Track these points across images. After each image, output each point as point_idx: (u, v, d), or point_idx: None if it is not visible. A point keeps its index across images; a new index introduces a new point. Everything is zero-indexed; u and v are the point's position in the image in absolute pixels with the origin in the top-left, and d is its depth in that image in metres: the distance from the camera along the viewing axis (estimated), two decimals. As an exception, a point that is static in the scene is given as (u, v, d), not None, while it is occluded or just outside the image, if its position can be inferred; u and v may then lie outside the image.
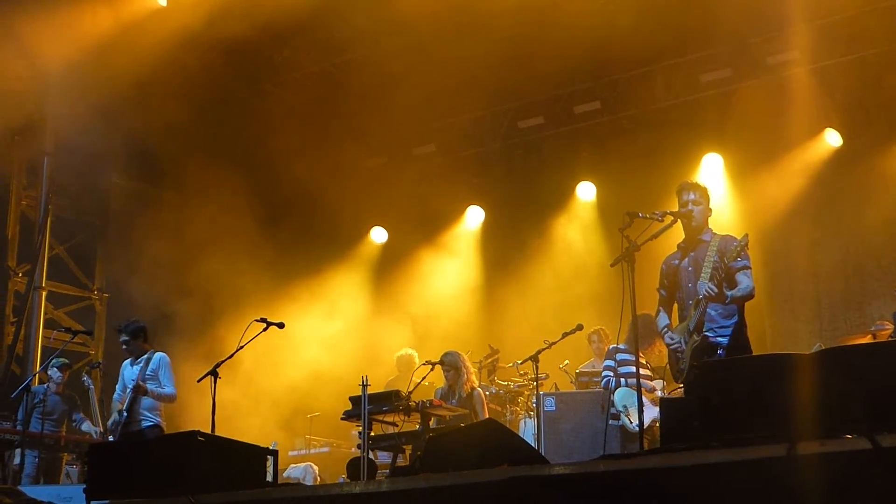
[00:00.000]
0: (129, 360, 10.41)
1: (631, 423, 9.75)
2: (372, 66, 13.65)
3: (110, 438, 10.36)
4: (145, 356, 10.19)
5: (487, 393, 11.62)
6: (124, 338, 10.34)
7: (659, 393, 9.90)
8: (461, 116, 14.73)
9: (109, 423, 10.44)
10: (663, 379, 9.92)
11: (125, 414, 9.95)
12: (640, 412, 7.32)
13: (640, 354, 9.63)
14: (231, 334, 10.09)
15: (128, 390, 10.08)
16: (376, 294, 15.45)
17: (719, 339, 7.40)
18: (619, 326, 8.01)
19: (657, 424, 9.57)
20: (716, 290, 7.35)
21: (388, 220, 15.83)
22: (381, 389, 10.85)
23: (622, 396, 9.92)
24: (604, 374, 10.36)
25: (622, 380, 10.05)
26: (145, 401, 10.05)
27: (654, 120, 13.76)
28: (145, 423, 10.02)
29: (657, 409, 9.55)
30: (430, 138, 15.23)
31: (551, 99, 14.40)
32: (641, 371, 9.56)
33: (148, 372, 10.07)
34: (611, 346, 10.44)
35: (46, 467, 11.40)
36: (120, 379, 10.45)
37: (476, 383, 10.87)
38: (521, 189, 14.91)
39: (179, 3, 12.50)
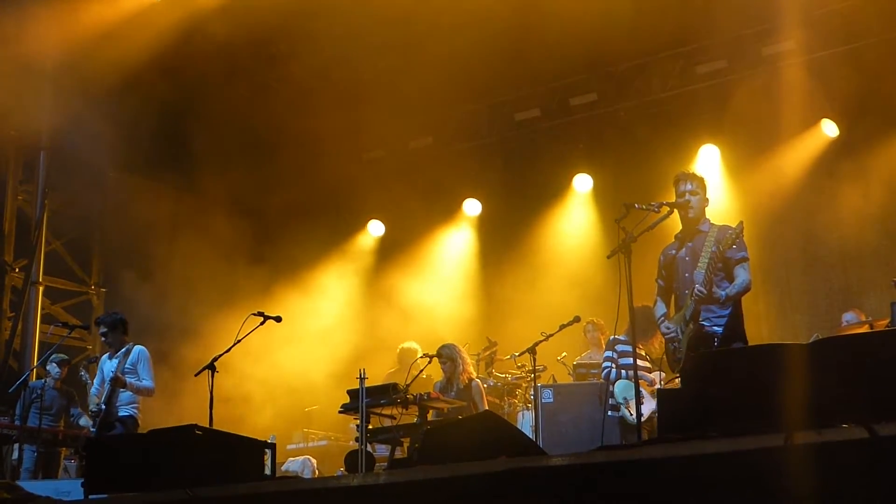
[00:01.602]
0: (107, 354, 10.42)
1: (631, 414, 9.76)
2: (369, 59, 13.63)
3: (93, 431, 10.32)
4: (124, 349, 10.19)
5: (485, 385, 11.63)
6: (103, 329, 10.34)
7: (658, 385, 9.91)
8: (458, 109, 14.73)
9: (90, 412, 10.43)
10: (662, 370, 9.93)
11: (103, 406, 9.96)
12: (638, 403, 7.33)
13: (640, 346, 9.72)
14: (228, 328, 10.08)
15: (105, 383, 10.08)
16: (373, 287, 15.45)
17: (715, 328, 7.41)
18: (616, 318, 8.03)
19: (657, 416, 9.60)
20: (705, 291, 7.35)
21: (386, 213, 15.82)
22: (380, 382, 10.85)
23: (622, 388, 9.95)
24: (604, 364, 10.39)
25: (622, 371, 10.07)
26: (123, 394, 10.05)
27: (650, 112, 13.77)
28: (121, 414, 10.02)
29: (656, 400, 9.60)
30: (427, 131, 15.24)
31: (547, 91, 14.41)
32: (640, 363, 9.63)
33: (127, 365, 10.07)
34: (611, 338, 10.44)
35: (45, 462, 11.42)
36: (98, 372, 10.44)
37: (473, 374, 10.89)
38: (518, 181, 14.90)
39: (175, -4, 12.51)
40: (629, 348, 9.87)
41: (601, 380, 10.55)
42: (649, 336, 9.80)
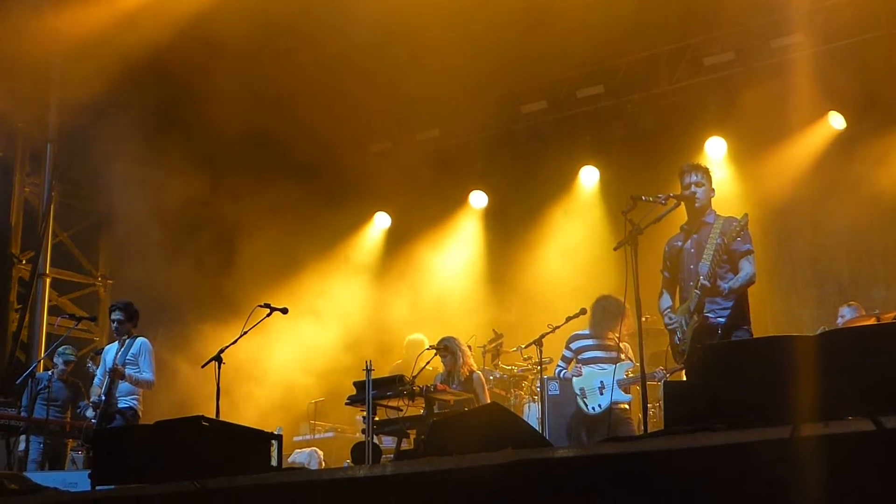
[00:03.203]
0: (111, 345, 10.45)
1: (586, 406, 9.83)
2: (375, 51, 13.63)
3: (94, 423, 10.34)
4: (128, 340, 10.20)
5: (491, 377, 11.65)
6: (118, 315, 10.32)
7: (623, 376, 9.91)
8: (465, 101, 14.69)
9: (91, 403, 10.46)
10: (632, 360, 9.98)
11: (103, 397, 9.98)
12: (644, 395, 7.33)
13: (607, 337, 9.84)
14: (235, 320, 10.10)
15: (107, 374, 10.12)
16: (380, 279, 15.46)
17: (720, 319, 7.44)
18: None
19: (619, 406, 9.70)
20: (709, 284, 7.37)
21: (392, 205, 15.82)
22: (386, 374, 10.87)
23: (578, 380, 9.99)
24: (559, 364, 10.41)
25: (579, 365, 10.08)
26: (123, 385, 10.06)
27: (657, 104, 13.75)
28: (121, 406, 10.03)
29: (621, 392, 9.73)
30: (434, 123, 15.22)
31: (554, 83, 14.39)
32: (603, 354, 9.82)
33: (129, 357, 10.08)
34: (572, 334, 10.47)
35: (52, 453, 11.45)
36: (101, 363, 10.47)
37: (474, 366, 10.90)
38: (525, 173, 14.89)
39: (183, -11, 12.50)
40: (589, 342, 10.12)
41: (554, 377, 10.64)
42: (612, 326, 9.85)
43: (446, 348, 10.67)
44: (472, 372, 10.68)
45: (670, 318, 7.71)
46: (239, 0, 12.22)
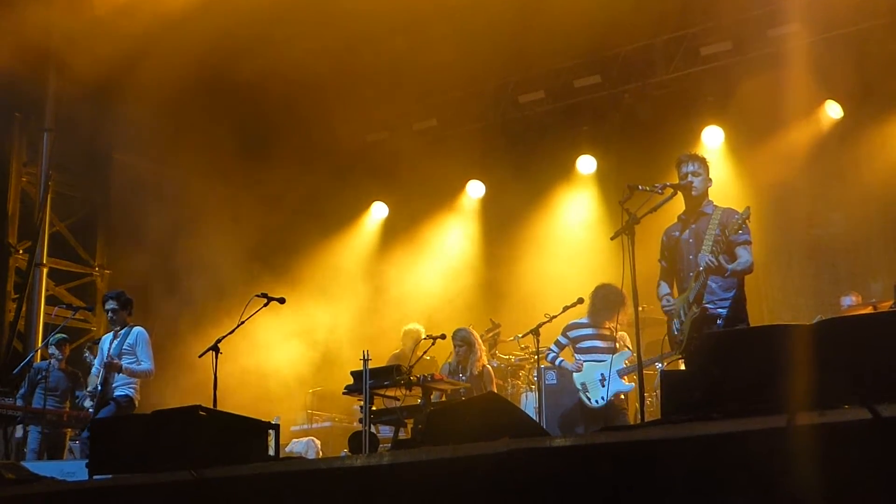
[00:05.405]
0: (107, 335, 10.44)
1: (589, 400, 9.82)
2: (373, 41, 13.62)
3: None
4: (124, 330, 10.19)
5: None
6: (112, 305, 10.31)
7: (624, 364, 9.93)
8: (462, 91, 14.71)
9: (88, 392, 10.46)
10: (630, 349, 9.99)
11: (100, 387, 9.98)
12: (641, 385, 7.34)
13: (605, 326, 9.85)
14: (232, 309, 10.09)
15: None
16: (377, 269, 15.46)
17: (719, 310, 7.42)
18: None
19: (621, 396, 9.73)
20: (716, 262, 7.36)
21: (389, 195, 15.82)
22: (384, 364, 10.89)
23: (579, 375, 9.99)
24: (551, 347, 10.41)
25: (578, 357, 10.09)
26: (119, 375, 10.06)
27: (654, 93, 13.74)
28: (116, 394, 10.03)
29: (622, 382, 9.73)
30: (431, 113, 15.21)
31: (551, 73, 14.39)
32: (601, 343, 9.82)
33: (125, 347, 10.08)
34: (570, 322, 10.46)
35: (50, 443, 11.45)
36: (99, 353, 10.45)
37: (486, 361, 10.94)
38: (522, 163, 14.88)
39: (179, -21, 12.47)
40: (587, 332, 10.16)
41: (546, 363, 10.64)
42: (610, 315, 9.84)
43: (464, 339, 10.74)
44: (484, 366, 10.76)
45: (668, 301, 7.70)
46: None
